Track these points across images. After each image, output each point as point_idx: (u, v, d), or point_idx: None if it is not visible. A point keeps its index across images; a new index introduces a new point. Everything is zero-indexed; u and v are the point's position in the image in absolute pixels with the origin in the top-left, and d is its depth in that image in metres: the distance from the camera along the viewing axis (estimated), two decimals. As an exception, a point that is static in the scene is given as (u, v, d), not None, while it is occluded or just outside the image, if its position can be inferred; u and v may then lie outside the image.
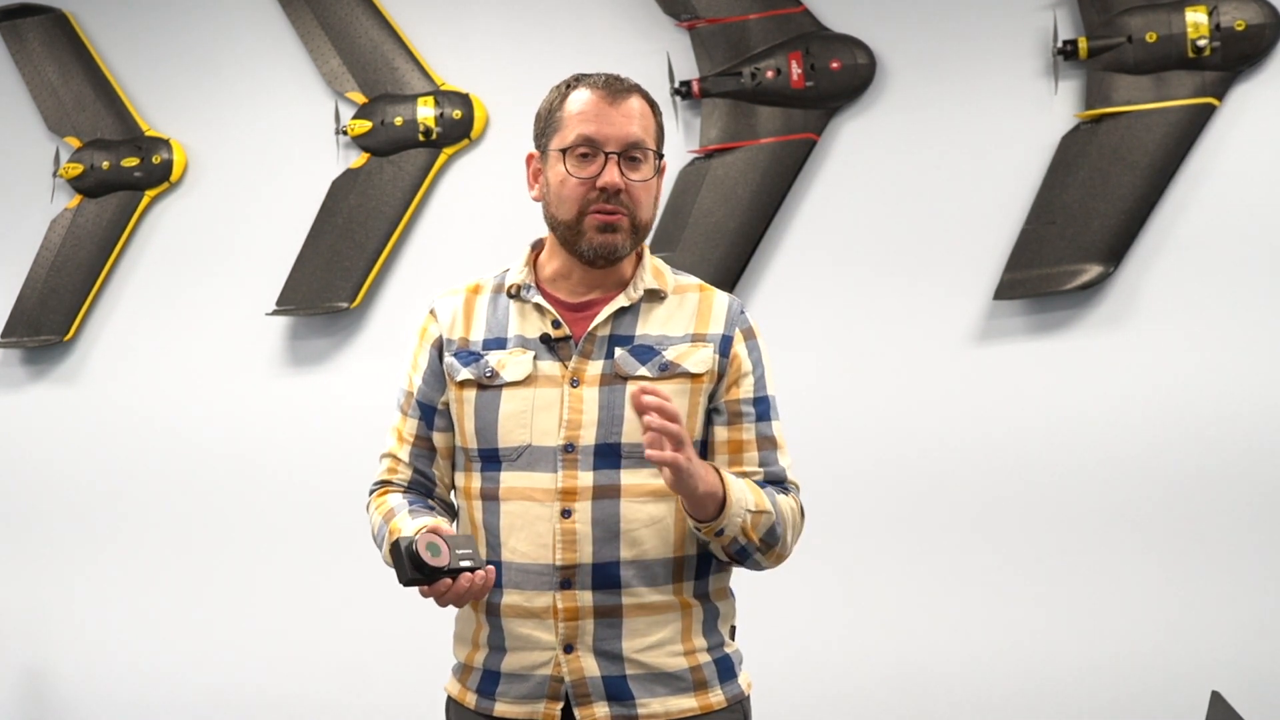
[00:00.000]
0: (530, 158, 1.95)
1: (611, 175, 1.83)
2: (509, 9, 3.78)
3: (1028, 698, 3.33)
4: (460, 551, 1.71)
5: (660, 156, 1.90)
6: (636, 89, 1.88)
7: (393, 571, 1.73)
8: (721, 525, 1.77)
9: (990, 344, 3.37)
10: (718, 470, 1.79)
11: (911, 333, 3.42)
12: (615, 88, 1.86)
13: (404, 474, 1.97)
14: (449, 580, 1.70)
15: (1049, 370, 3.33)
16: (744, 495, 1.79)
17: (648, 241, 1.96)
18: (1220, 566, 3.21)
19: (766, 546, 1.84)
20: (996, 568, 3.36)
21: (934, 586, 3.40)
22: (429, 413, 1.95)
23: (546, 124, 1.90)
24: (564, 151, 1.85)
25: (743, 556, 1.84)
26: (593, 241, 1.84)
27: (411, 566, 1.68)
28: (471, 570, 1.71)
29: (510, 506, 1.85)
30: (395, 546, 1.70)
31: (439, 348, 1.95)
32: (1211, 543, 3.22)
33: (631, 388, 1.83)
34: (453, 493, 1.99)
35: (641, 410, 1.67)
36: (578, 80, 1.89)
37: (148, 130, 4.08)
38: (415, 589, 1.72)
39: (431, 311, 1.98)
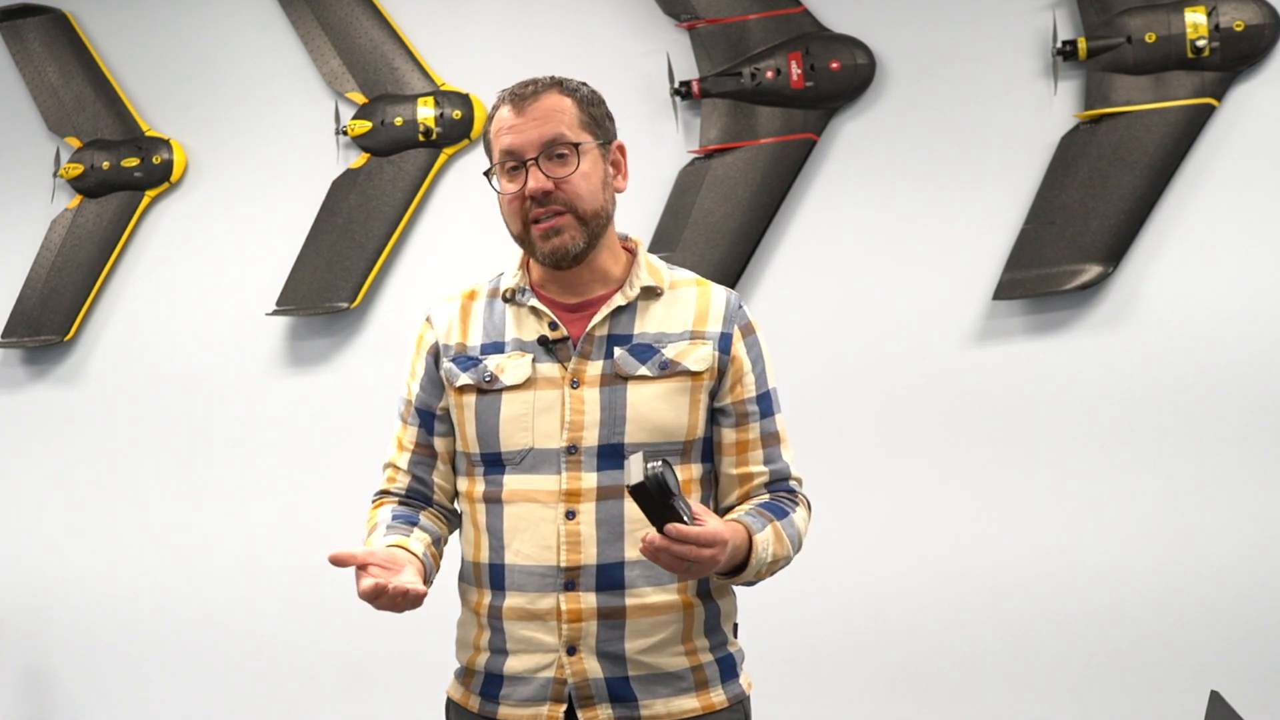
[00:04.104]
0: None
1: (533, 181, 1.82)
2: (509, 9, 3.78)
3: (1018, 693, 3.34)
4: (682, 503, 1.67)
5: (603, 142, 1.88)
6: (552, 85, 1.87)
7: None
8: (732, 581, 1.83)
9: (990, 344, 3.38)
10: (749, 533, 1.79)
11: (911, 332, 3.43)
12: (523, 94, 1.85)
13: (402, 482, 1.97)
14: (664, 517, 1.63)
15: (1049, 370, 3.33)
16: (765, 552, 1.81)
17: (644, 240, 1.96)
18: (1220, 562, 3.22)
19: (772, 575, 1.88)
20: (995, 565, 3.36)
21: (931, 580, 3.41)
22: (428, 419, 1.95)
23: (485, 149, 1.92)
24: (494, 171, 1.87)
25: (745, 585, 1.89)
26: (543, 250, 1.85)
27: (657, 484, 1.62)
28: (682, 521, 1.65)
29: (514, 509, 1.85)
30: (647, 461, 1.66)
31: (435, 354, 1.95)
32: (1213, 540, 3.22)
33: (632, 387, 1.84)
34: (455, 498, 1.99)
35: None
36: (498, 98, 1.89)
37: (148, 130, 4.08)
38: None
39: (427, 319, 1.98)
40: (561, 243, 1.84)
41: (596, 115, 1.89)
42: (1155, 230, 3.27)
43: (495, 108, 1.89)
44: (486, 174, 1.90)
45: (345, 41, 3.87)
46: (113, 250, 4.08)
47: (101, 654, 4.12)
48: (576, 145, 1.85)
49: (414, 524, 1.90)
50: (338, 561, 1.69)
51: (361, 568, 1.71)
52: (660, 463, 1.63)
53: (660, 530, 1.64)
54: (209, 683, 4.00)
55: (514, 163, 1.84)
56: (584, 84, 1.91)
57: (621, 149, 1.93)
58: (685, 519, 1.65)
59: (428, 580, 1.81)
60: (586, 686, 1.83)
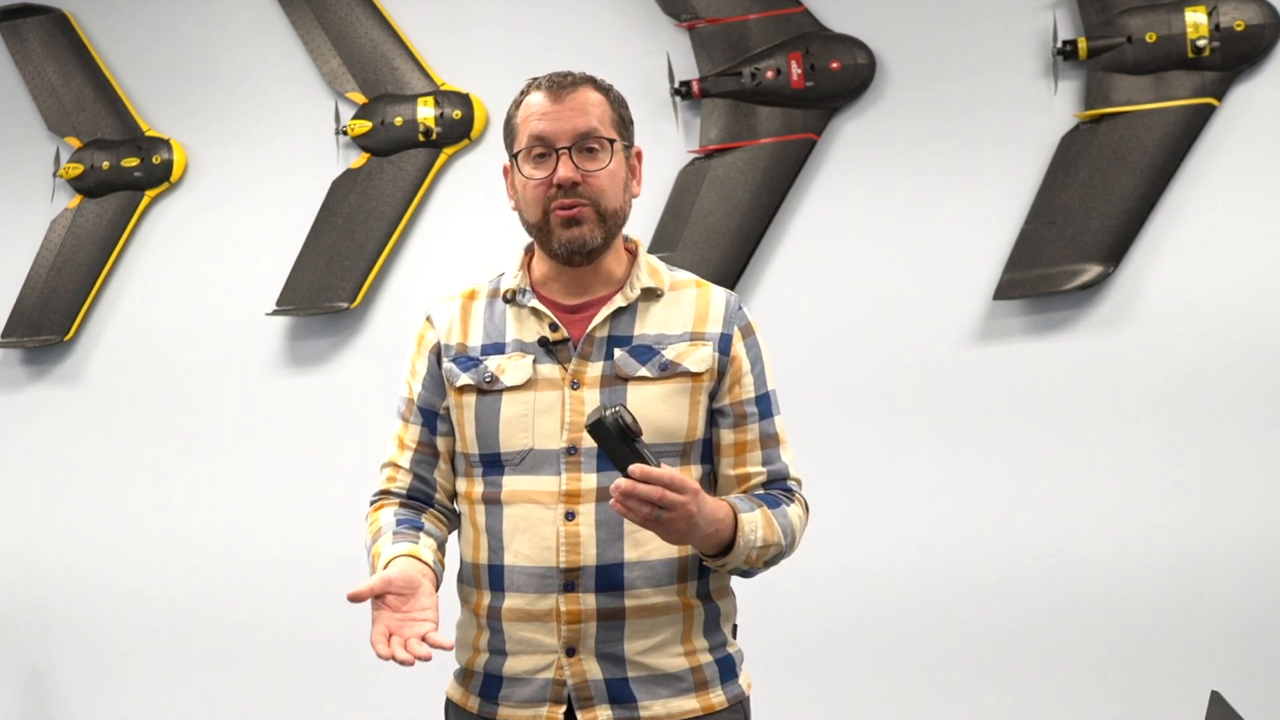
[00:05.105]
0: (506, 169, 1.95)
1: (564, 169, 1.82)
2: (509, 9, 3.78)
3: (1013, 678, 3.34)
4: (648, 452, 1.68)
5: (627, 144, 1.90)
6: (587, 81, 1.88)
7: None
8: (723, 563, 1.81)
9: (990, 344, 3.38)
10: (734, 510, 1.79)
11: (912, 333, 3.43)
12: (561, 83, 1.86)
13: (404, 481, 1.96)
14: (627, 458, 1.64)
15: (1049, 370, 3.33)
16: (754, 534, 1.80)
17: (644, 240, 1.96)
18: (1220, 562, 3.22)
19: (768, 566, 1.87)
20: (995, 565, 3.36)
21: (931, 581, 3.41)
22: (431, 418, 1.95)
23: (508, 133, 1.91)
24: (521, 155, 1.86)
25: (743, 575, 1.89)
26: (560, 238, 1.84)
27: (617, 422, 1.64)
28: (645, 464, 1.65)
29: (513, 510, 1.85)
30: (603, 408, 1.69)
31: (437, 354, 1.94)
32: (1214, 540, 3.22)
33: (632, 389, 1.84)
34: (454, 498, 1.99)
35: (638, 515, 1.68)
36: (530, 84, 1.89)
37: (148, 130, 4.08)
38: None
39: (428, 318, 1.98)
40: (580, 233, 1.84)
41: (625, 117, 1.91)
42: (1155, 230, 3.27)
43: (524, 93, 1.88)
44: (513, 157, 1.89)
45: (345, 41, 3.87)
46: (113, 250, 4.08)
47: (102, 652, 4.12)
48: (610, 141, 1.85)
49: (419, 529, 1.89)
50: (356, 599, 1.69)
51: (379, 598, 1.71)
52: (621, 407, 1.65)
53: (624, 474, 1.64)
54: (209, 682, 4.01)
55: (543, 149, 1.84)
56: (613, 85, 1.92)
57: (639, 155, 1.94)
58: (650, 464, 1.66)
59: (437, 584, 1.81)
60: (586, 688, 1.83)
